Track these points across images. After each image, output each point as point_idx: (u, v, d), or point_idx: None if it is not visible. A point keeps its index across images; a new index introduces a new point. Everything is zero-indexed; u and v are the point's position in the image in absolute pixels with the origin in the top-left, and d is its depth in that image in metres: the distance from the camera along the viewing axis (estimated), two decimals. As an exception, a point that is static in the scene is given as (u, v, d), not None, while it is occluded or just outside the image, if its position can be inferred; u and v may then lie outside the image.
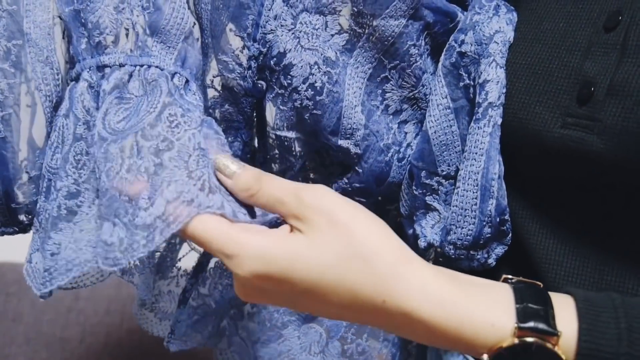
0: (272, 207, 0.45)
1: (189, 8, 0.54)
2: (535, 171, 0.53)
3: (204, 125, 0.49)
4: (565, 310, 0.40)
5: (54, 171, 0.51)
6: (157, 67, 0.50)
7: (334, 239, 0.42)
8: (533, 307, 0.40)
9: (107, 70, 0.50)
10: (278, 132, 0.57)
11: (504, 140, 0.53)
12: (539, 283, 0.43)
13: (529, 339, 0.39)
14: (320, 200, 0.43)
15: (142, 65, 0.50)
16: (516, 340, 0.39)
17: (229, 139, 0.59)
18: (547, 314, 0.39)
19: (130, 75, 0.50)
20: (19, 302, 1.05)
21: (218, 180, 0.47)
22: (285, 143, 0.57)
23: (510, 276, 0.45)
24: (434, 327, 0.41)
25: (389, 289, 0.41)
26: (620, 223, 0.48)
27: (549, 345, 0.39)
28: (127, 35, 0.51)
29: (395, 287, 0.41)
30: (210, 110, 0.57)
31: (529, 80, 0.52)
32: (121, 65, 0.50)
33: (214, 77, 0.56)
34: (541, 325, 0.39)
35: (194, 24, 0.53)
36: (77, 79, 0.52)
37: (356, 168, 0.57)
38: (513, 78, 0.53)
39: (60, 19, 0.53)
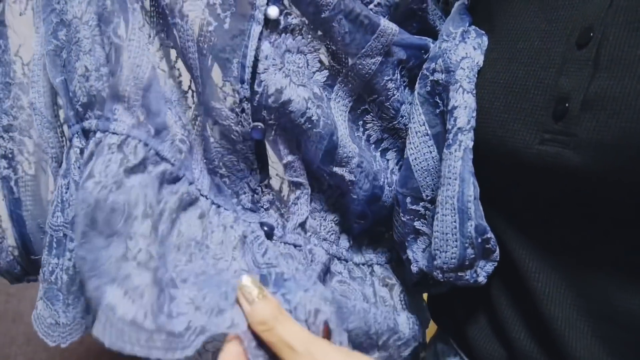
0: (279, 350, 0.46)
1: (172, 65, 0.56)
2: (516, 189, 0.53)
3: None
4: None
5: (55, 228, 0.54)
6: (114, 133, 0.52)
7: None
8: None
9: (90, 135, 0.53)
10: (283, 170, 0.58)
11: (484, 159, 0.53)
12: None
13: None
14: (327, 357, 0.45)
15: (105, 132, 0.52)
16: None
17: (236, 190, 0.59)
18: None
19: (100, 142, 0.52)
20: (19, 303, 1.07)
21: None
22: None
23: None
24: None
25: None
26: (601, 238, 0.49)
27: None
28: (95, 101, 0.53)
29: None
30: (215, 163, 0.57)
31: (507, 98, 0.53)
32: (94, 132, 0.53)
33: (212, 125, 0.56)
34: None
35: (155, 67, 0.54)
36: (70, 142, 0.55)
37: (351, 194, 0.59)
38: (492, 97, 0.54)
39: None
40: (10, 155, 0.58)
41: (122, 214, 0.48)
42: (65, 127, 0.57)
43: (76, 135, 0.54)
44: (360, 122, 0.59)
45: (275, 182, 0.58)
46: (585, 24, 0.49)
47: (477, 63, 0.55)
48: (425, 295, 0.72)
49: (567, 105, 0.48)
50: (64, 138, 0.57)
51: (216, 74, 0.53)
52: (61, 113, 0.57)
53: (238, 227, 0.56)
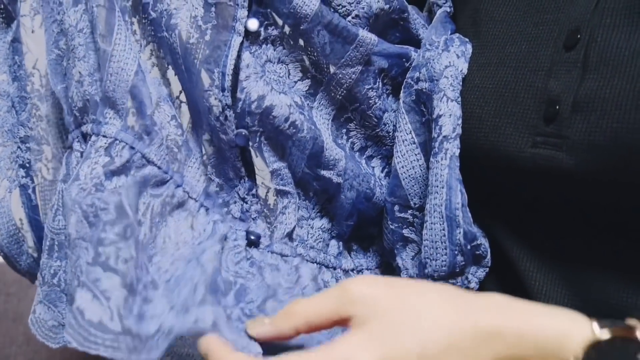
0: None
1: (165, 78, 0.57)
2: (511, 193, 0.53)
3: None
4: None
5: (56, 231, 0.55)
6: (104, 136, 0.53)
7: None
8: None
9: (87, 138, 0.54)
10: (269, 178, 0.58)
11: (478, 164, 0.53)
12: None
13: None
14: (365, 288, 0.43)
15: (98, 135, 0.53)
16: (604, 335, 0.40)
17: (227, 200, 0.58)
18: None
19: (92, 145, 0.53)
20: (19, 302, 1.05)
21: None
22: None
23: None
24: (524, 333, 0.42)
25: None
26: (598, 237, 0.49)
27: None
28: (89, 105, 0.54)
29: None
30: (211, 171, 0.57)
31: (497, 103, 0.53)
32: (90, 135, 0.54)
33: (202, 134, 0.57)
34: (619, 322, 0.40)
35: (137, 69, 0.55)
36: (70, 147, 0.56)
37: (341, 196, 0.59)
38: (482, 102, 0.54)
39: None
40: (27, 165, 0.61)
41: (96, 217, 0.48)
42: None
43: (76, 140, 0.55)
44: (344, 130, 0.60)
45: (261, 191, 0.58)
46: (572, 27, 0.49)
47: (461, 71, 0.56)
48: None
49: (557, 107, 0.48)
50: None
51: (200, 85, 0.54)
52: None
53: (224, 226, 0.57)
